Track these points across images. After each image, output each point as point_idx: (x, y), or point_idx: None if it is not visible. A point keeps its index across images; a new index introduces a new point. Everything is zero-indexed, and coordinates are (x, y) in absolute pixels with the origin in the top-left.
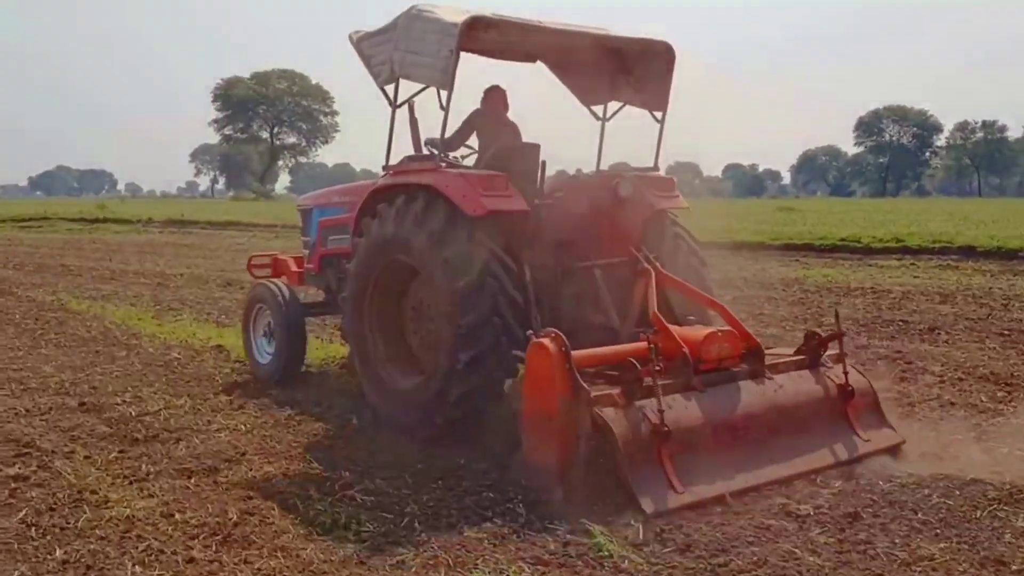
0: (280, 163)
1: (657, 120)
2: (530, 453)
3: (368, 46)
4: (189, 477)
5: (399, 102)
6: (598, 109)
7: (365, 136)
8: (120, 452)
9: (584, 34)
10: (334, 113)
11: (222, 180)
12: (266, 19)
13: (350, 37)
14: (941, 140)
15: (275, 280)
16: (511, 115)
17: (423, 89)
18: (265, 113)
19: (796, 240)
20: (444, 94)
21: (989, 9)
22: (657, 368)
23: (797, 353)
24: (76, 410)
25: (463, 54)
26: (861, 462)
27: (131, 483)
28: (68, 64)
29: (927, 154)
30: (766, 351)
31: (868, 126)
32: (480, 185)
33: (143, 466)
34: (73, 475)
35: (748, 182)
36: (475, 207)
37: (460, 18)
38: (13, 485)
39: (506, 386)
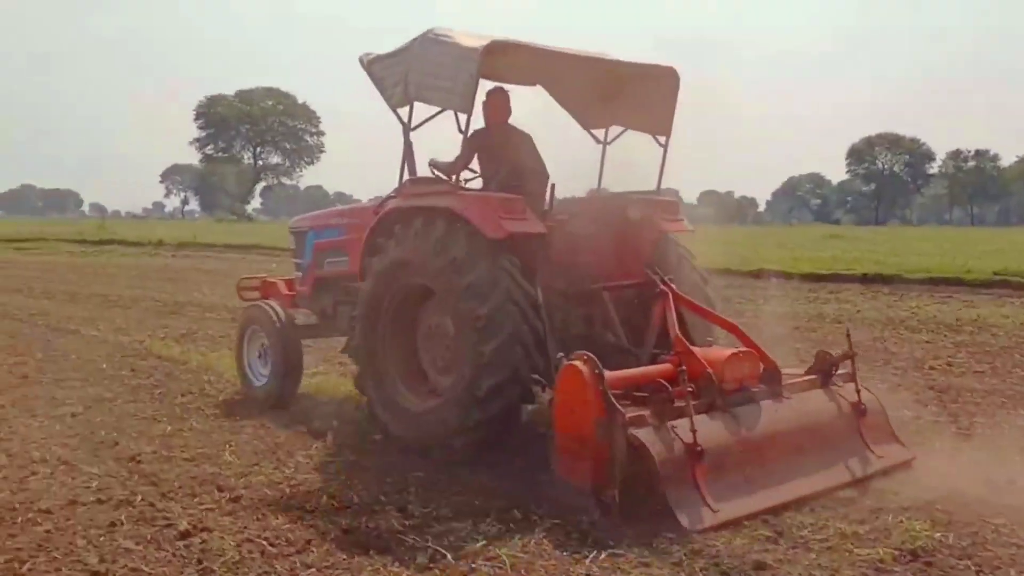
0: (263, 183)
1: (660, 144)
2: (563, 474)
3: (380, 68)
4: None
5: (414, 125)
6: (599, 133)
7: (338, 158)
8: None
9: (593, 59)
10: (320, 133)
11: (194, 201)
12: (241, 38)
13: (361, 59)
14: (934, 168)
15: (269, 301)
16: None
17: (439, 112)
18: (248, 132)
19: (919, 273)
20: (463, 118)
21: (983, 35)
22: (689, 389)
23: (808, 373)
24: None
25: None
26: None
27: None
28: (34, 81)
29: (918, 182)
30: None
31: (860, 153)
32: (499, 208)
33: None
34: None
35: (730, 209)
36: (495, 229)
37: (478, 43)
38: None
39: (527, 411)
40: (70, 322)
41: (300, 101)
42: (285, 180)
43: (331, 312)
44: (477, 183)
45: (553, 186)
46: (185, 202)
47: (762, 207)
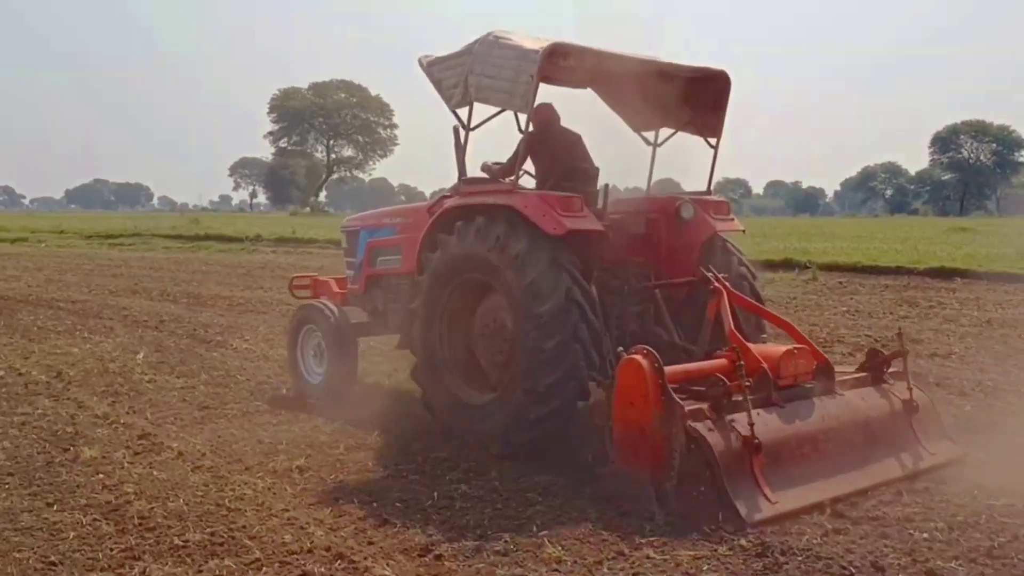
0: (336, 176)
1: (711, 146)
2: (622, 466)
3: (439, 70)
4: None
5: (473, 125)
6: (649, 135)
7: (407, 150)
8: None
9: (647, 61)
10: (393, 126)
11: (262, 194)
12: (305, 34)
13: (420, 61)
14: (1023, 156)
15: (323, 300)
16: (565, 123)
17: (499, 112)
18: (322, 125)
19: None
20: (523, 118)
21: None
22: (747, 384)
23: (860, 370)
24: None
25: None
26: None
27: None
28: (109, 77)
29: (1007, 171)
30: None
31: (944, 142)
32: (558, 205)
33: None
34: None
35: (799, 199)
36: (555, 226)
37: (539, 45)
38: None
39: (585, 405)
40: (209, 330)
41: (374, 93)
42: (359, 173)
43: (383, 310)
44: (529, 183)
45: (607, 186)
46: (253, 195)
47: (830, 197)
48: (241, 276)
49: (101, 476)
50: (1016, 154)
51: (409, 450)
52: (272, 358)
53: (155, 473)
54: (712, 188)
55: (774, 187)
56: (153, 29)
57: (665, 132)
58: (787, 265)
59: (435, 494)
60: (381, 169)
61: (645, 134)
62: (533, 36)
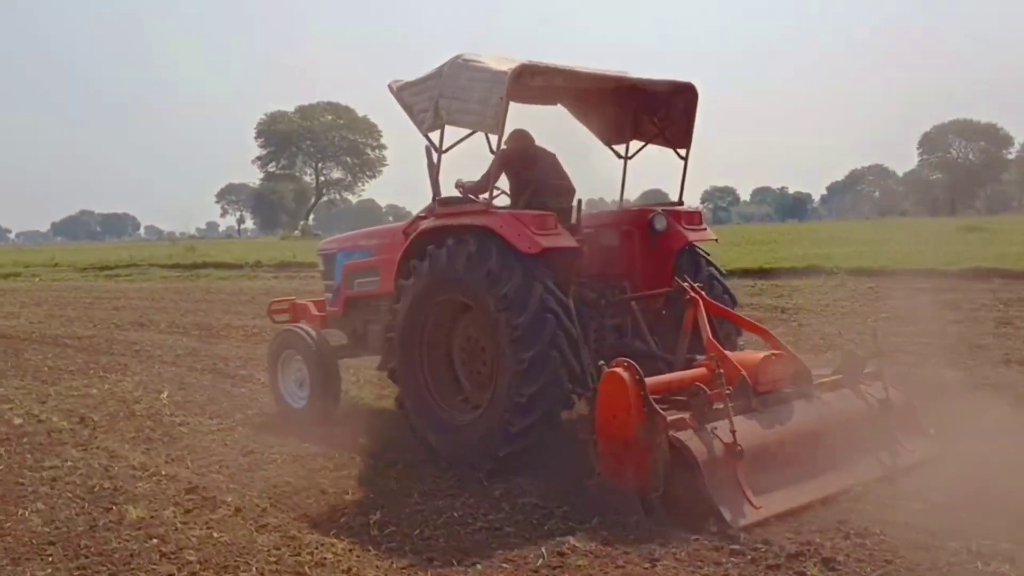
0: (325, 199)
1: (681, 157)
2: (607, 478)
3: (409, 94)
4: None
5: (445, 147)
6: (620, 148)
7: (396, 170)
8: None
9: (615, 77)
10: (382, 147)
11: (249, 220)
12: (287, 58)
13: (390, 87)
14: (1011, 154)
15: (303, 324)
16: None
17: (471, 134)
18: (309, 148)
19: None
20: (494, 139)
21: None
22: (727, 391)
23: (836, 373)
24: None
25: None
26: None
27: None
28: (89, 108)
29: (996, 170)
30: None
31: (932, 142)
32: (533, 224)
33: None
34: None
35: (786, 205)
36: (531, 245)
37: (507, 66)
38: None
39: (567, 419)
40: (230, 364)
41: (361, 115)
42: (348, 195)
43: (362, 331)
44: (504, 201)
45: (580, 201)
46: (241, 221)
47: (816, 201)
48: (247, 304)
49: (155, 541)
50: (1004, 151)
51: (492, 495)
52: None
53: (215, 535)
54: (682, 198)
55: (761, 193)
56: (133, 55)
57: (636, 145)
58: (812, 272)
59: (543, 551)
60: (371, 190)
61: (617, 148)
62: (500, 56)
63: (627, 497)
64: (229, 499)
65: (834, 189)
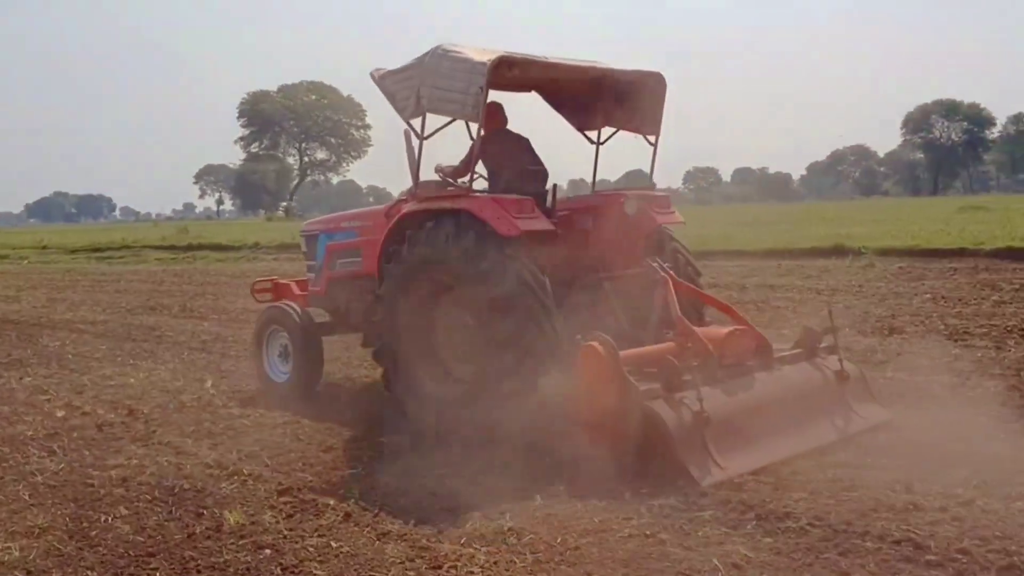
0: (309, 179)
1: (650, 143)
2: (585, 444)
3: (391, 83)
4: None
5: (426, 134)
6: (592, 134)
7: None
8: None
9: (587, 68)
10: (366, 127)
11: (228, 201)
12: (267, 37)
13: (372, 75)
14: (994, 134)
15: (287, 302)
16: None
17: (451, 122)
18: (293, 128)
19: None
20: (473, 126)
21: None
22: (694, 364)
23: (796, 347)
24: None
25: None
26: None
27: None
28: (61, 86)
29: (979, 149)
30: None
31: (916, 122)
32: (512, 208)
33: None
34: None
35: (767, 185)
36: (510, 228)
37: (486, 57)
38: None
39: (544, 386)
40: None
41: (345, 94)
42: (332, 176)
43: (344, 309)
44: (481, 184)
45: (556, 186)
46: (220, 202)
47: (796, 181)
48: None
49: (268, 552)
50: (986, 132)
51: (621, 496)
52: (358, 380)
53: (333, 544)
54: (653, 182)
55: (742, 174)
56: (109, 34)
57: (608, 131)
58: (838, 252)
59: (717, 563)
60: (354, 170)
61: (589, 134)
62: (479, 47)
63: (603, 462)
64: (331, 502)
65: (814, 169)
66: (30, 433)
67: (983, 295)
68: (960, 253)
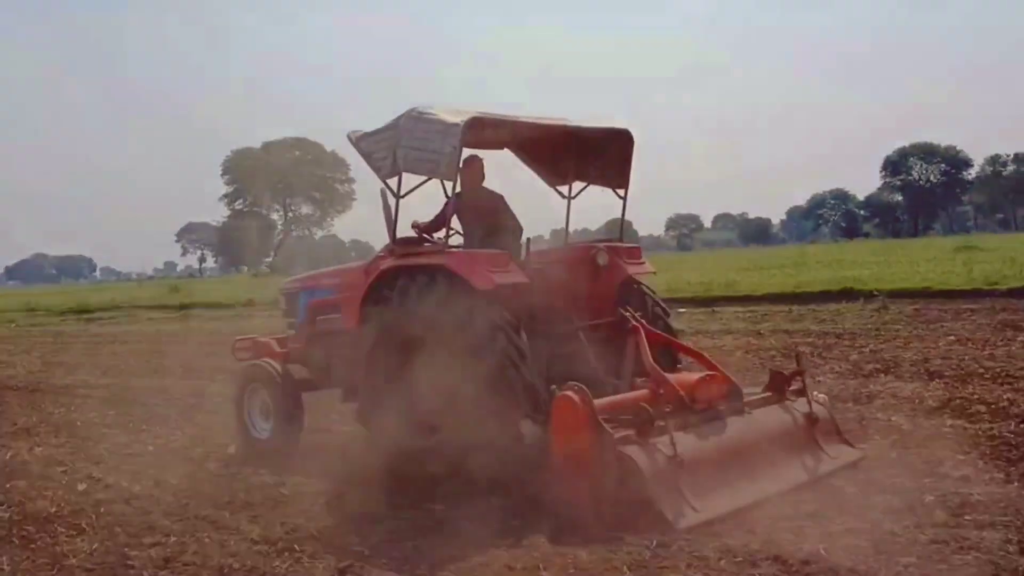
0: (295, 234)
1: (620, 197)
2: (562, 492)
3: (367, 144)
4: None
5: (403, 193)
6: (563, 189)
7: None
8: None
9: (556, 126)
10: (350, 181)
11: (211, 259)
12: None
13: (349, 136)
14: (971, 175)
15: (268, 359)
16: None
17: (426, 180)
18: (277, 184)
19: None
20: (448, 184)
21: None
22: (667, 410)
23: (766, 391)
24: None
25: None
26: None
27: None
28: (42, 147)
29: (957, 191)
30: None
31: (895, 165)
32: (487, 262)
33: None
34: None
35: (751, 231)
36: (485, 281)
37: (459, 118)
38: None
39: (523, 431)
40: None
41: (328, 149)
42: (317, 231)
43: (324, 365)
44: (457, 240)
45: (529, 240)
46: (202, 260)
47: (776, 226)
48: None
49: None
50: (964, 173)
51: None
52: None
53: None
54: (623, 235)
55: (723, 219)
56: (83, 95)
57: (578, 186)
58: (848, 295)
59: None
60: (338, 224)
61: (560, 189)
62: (452, 108)
63: (580, 508)
64: None
65: (793, 213)
66: (53, 510)
67: (1007, 336)
68: (974, 294)
